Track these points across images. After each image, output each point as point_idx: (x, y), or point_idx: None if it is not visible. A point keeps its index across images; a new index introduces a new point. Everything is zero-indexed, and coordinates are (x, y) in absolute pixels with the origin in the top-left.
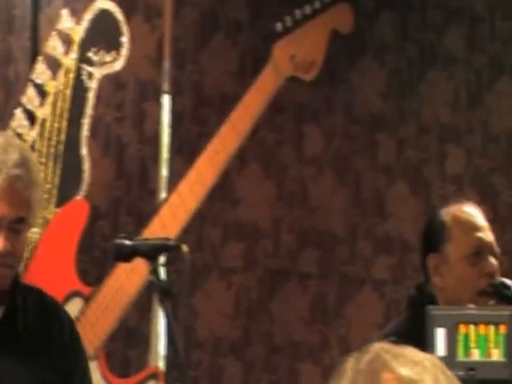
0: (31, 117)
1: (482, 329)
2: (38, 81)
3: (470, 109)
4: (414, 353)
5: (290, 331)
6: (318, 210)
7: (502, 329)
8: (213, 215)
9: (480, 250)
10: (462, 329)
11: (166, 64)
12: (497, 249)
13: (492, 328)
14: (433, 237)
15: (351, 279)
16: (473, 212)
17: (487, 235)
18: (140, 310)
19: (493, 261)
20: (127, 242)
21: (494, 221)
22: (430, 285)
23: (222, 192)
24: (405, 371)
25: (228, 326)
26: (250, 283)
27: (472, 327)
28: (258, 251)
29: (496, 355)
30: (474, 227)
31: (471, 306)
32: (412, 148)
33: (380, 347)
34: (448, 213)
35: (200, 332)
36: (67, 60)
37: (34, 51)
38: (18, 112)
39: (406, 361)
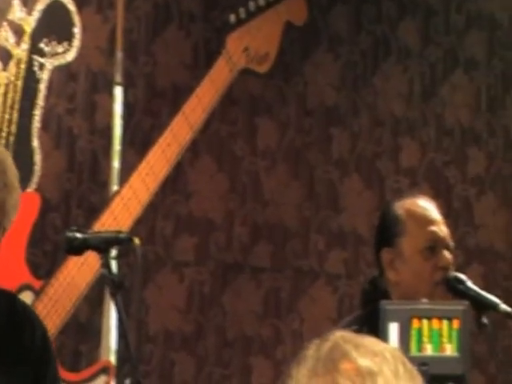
0: None
1: (435, 323)
2: None
3: (424, 102)
4: (375, 343)
5: (242, 325)
6: (271, 203)
7: (456, 324)
8: (165, 208)
9: (434, 244)
10: (415, 323)
11: (119, 55)
12: (451, 242)
13: (445, 323)
14: (387, 231)
15: (304, 273)
16: (427, 206)
17: (441, 229)
18: (91, 304)
19: (447, 254)
20: (78, 235)
21: (447, 215)
22: (384, 279)
23: (174, 184)
24: (364, 362)
25: (180, 320)
26: (203, 277)
27: (425, 322)
28: (210, 244)
29: (449, 350)
30: (428, 221)
31: (425, 300)
32: (366, 141)
33: (341, 336)
34: (402, 207)
35: (152, 326)
36: (18, 51)
37: None
38: None
39: (366, 351)
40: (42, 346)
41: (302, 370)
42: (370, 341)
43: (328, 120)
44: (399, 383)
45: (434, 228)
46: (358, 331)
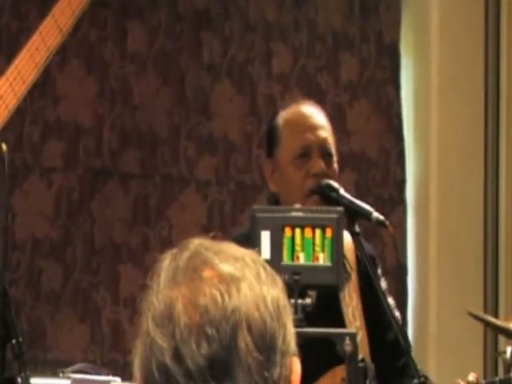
0: None
1: (307, 232)
2: None
3: (296, 6)
4: (234, 249)
5: (110, 232)
6: (140, 108)
7: (329, 232)
8: (33, 113)
9: (307, 151)
10: (288, 232)
11: None
12: (330, 149)
13: (318, 231)
14: (269, 142)
15: (174, 180)
16: (306, 112)
17: (317, 135)
18: None
19: (320, 161)
20: None
21: None
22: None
23: (42, 89)
24: (226, 268)
25: (48, 227)
26: (71, 183)
27: (298, 230)
28: (78, 150)
29: (322, 259)
30: (302, 128)
31: (298, 205)
32: (237, 46)
33: (199, 243)
34: (282, 116)
35: (19, 233)
36: None
37: None
38: None
39: (227, 257)
40: None
41: (163, 280)
42: (229, 247)
43: (199, 24)
44: (262, 287)
45: (307, 135)
46: (246, 243)
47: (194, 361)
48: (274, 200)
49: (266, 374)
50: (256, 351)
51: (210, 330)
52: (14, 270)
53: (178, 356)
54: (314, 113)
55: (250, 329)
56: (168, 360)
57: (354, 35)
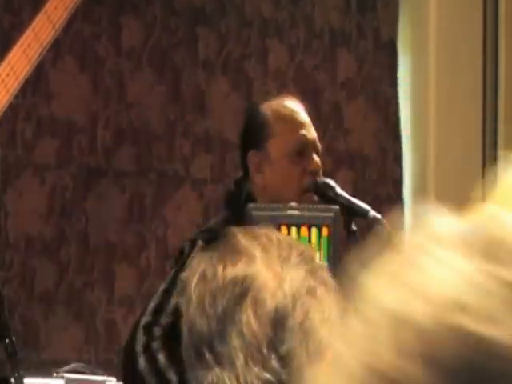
0: None
1: (304, 231)
2: None
3: (293, 2)
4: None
5: (105, 231)
6: (135, 105)
7: (325, 231)
8: (26, 110)
9: (303, 148)
10: (284, 231)
11: None
12: (319, 146)
13: (314, 230)
14: (254, 133)
15: (169, 178)
16: (295, 108)
17: (310, 132)
18: None
19: (316, 159)
20: None
21: (316, 119)
22: (250, 183)
23: (35, 86)
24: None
25: (41, 226)
26: (65, 181)
27: (294, 229)
28: (72, 148)
29: (318, 259)
30: (297, 124)
31: (293, 204)
32: (233, 42)
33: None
34: (269, 108)
35: (12, 232)
36: None
37: None
38: None
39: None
40: None
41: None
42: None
43: (195, 20)
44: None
45: (302, 131)
46: (211, 238)
47: None
48: (243, 190)
49: None
50: None
51: None
52: (7, 268)
53: None
54: (301, 109)
55: None
56: None
57: (351, 32)
